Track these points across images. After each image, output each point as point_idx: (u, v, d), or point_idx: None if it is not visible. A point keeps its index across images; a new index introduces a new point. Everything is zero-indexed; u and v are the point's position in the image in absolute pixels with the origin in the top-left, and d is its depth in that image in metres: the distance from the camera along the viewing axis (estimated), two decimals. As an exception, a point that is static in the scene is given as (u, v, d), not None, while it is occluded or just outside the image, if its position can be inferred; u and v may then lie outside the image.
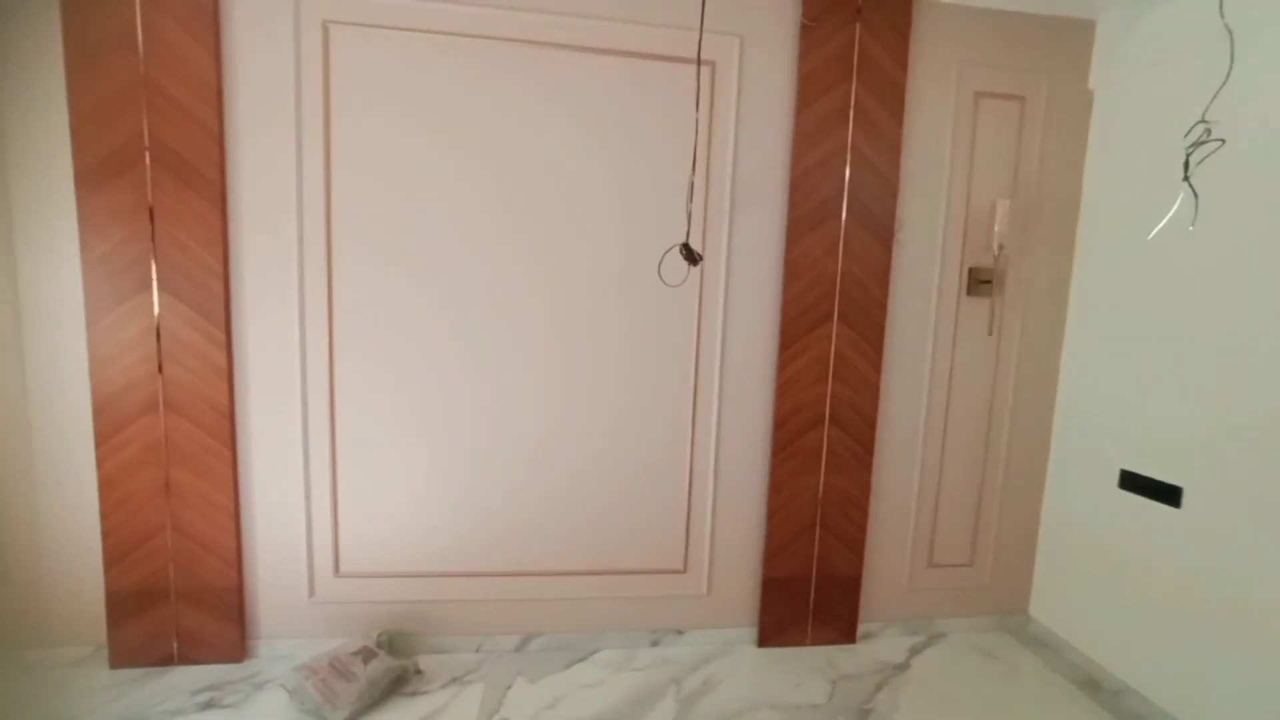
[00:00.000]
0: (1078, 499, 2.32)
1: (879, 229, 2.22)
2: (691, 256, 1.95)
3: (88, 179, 1.81)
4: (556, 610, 2.25)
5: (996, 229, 2.23)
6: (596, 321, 2.13)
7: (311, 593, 2.11)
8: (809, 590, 2.34)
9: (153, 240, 1.86)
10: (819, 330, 2.23)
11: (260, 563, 2.07)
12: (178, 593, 2.00)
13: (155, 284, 1.88)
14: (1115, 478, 2.16)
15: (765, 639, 2.34)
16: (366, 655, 1.94)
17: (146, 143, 1.83)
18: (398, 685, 1.98)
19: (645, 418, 2.19)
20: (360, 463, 2.08)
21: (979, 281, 2.30)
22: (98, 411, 1.89)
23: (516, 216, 2.04)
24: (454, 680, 2.05)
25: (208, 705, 1.86)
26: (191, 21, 1.82)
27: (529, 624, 2.25)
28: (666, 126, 2.06)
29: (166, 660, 2.03)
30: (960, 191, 2.26)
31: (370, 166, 1.96)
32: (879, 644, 2.40)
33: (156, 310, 1.89)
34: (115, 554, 1.95)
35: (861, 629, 2.42)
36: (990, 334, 2.31)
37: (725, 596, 2.34)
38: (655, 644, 2.30)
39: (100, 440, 1.90)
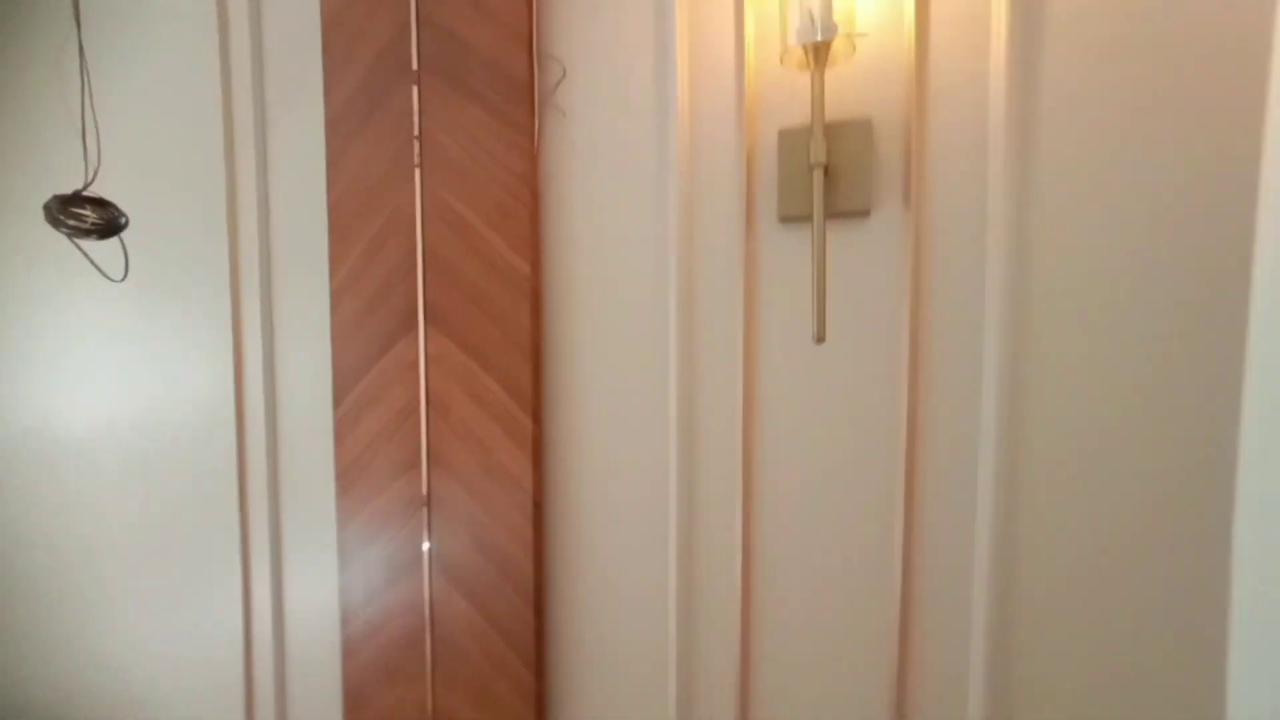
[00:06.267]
0: None
1: (500, 88, 0.87)
2: (73, 218, 1.01)
3: None
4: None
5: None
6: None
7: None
8: None
9: None
10: (396, 351, 0.97)
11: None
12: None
13: None
14: None
15: None
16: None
17: None
18: None
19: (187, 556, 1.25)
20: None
21: (809, 173, 0.69)
22: None
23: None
24: None
25: None
26: None
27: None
28: None
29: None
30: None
31: None
32: None
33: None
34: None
35: None
36: (819, 340, 0.66)
37: None
38: None
39: None
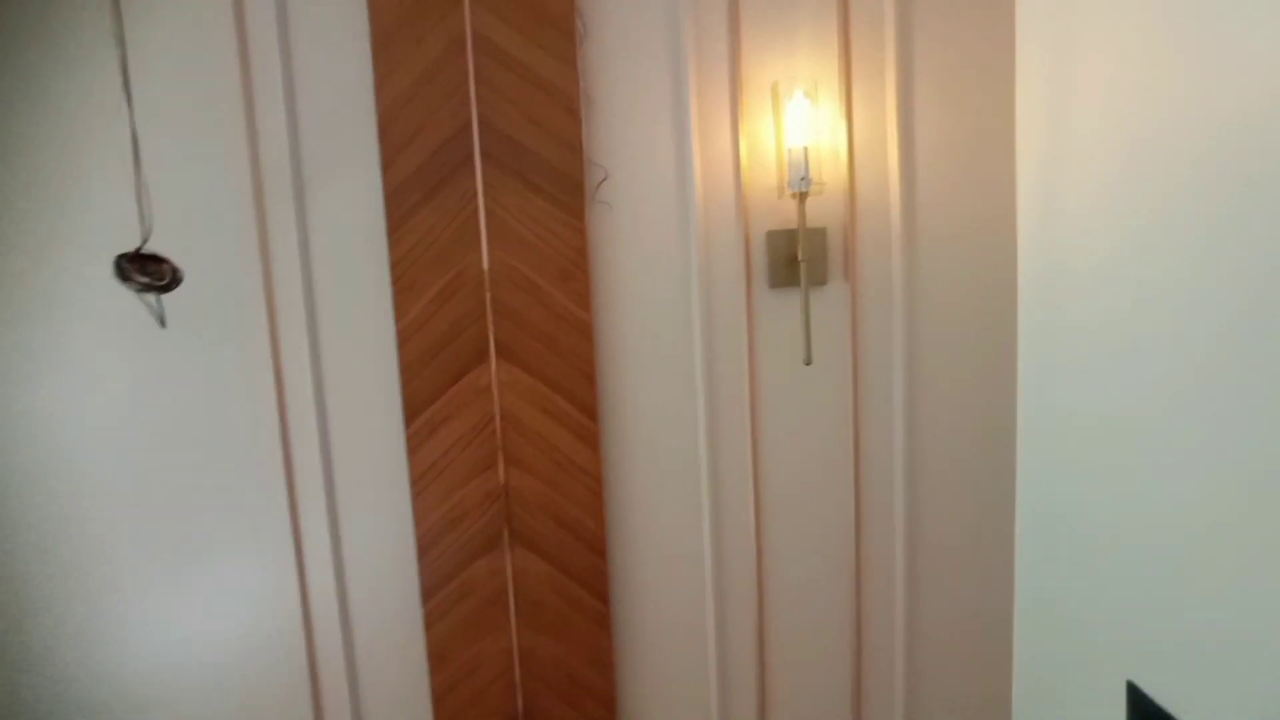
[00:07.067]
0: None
1: (556, 183, 1.17)
2: (141, 275, 1.11)
3: None
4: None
5: (792, 148, 1.06)
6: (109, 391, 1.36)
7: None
8: (528, 834, 1.34)
9: None
10: (468, 379, 1.24)
11: None
12: None
13: None
14: (1120, 696, 0.89)
15: None
16: None
17: None
18: None
19: (230, 544, 1.37)
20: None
21: (788, 259, 1.13)
22: None
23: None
24: None
25: None
26: None
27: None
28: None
29: None
30: (715, 83, 1.12)
31: None
32: None
33: None
34: None
35: None
36: (808, 363, 1.12)
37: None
38: None
39: None
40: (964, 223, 1.11)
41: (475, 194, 1.19)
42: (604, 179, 1.18)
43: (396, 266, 1.23)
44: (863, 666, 1.22)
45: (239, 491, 1.35)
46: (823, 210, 1.12)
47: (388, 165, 1.21)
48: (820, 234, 1.12)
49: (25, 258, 1.30)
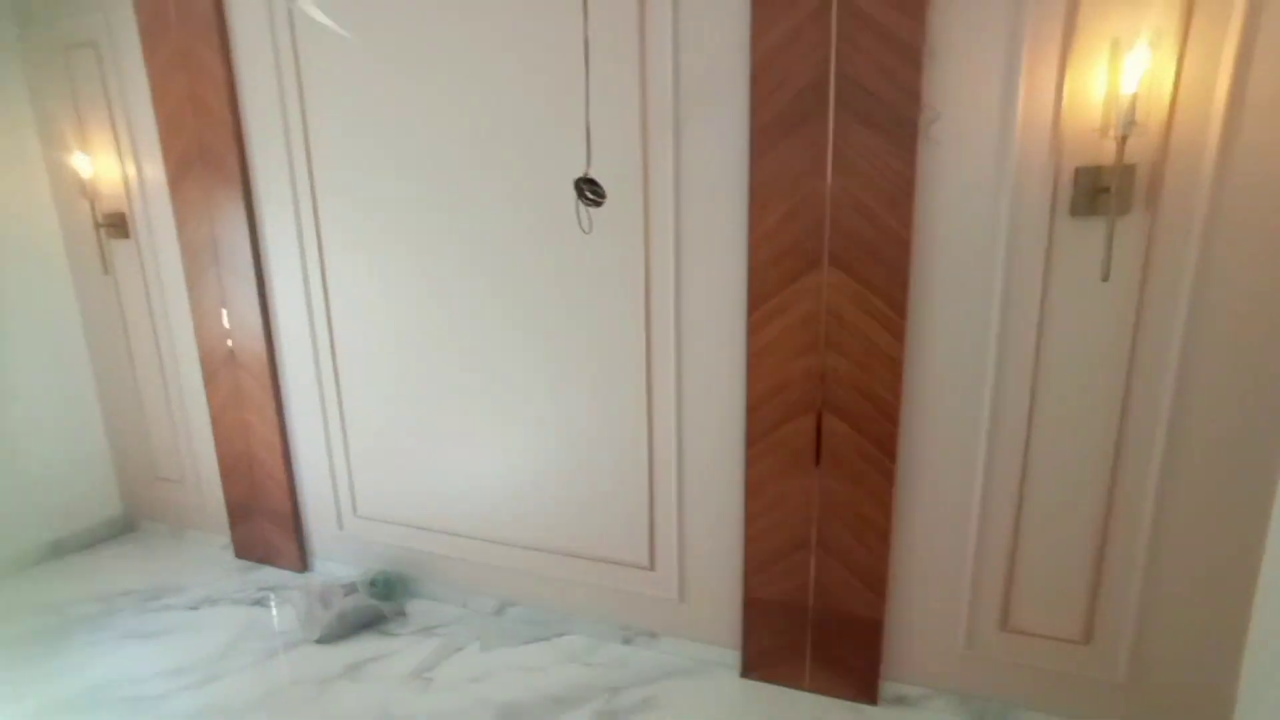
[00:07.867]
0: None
1: (894, 124, 1.47)
2: (589, 193, 1.59)
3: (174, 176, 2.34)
4: (531, 584, 2.17)
5: (1123, 95, 1.27)
6: (530, 276, 1.91)
7: (340, 526, 2.44)
8: (805, 623, 1.79)
9: (211, 226, 2.31)
10: (803, 280, 1.61)
11: (307, 494, 2.47)
12: (259, 509, 2.53)
13: (219, 264, 2.34)
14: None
15: (750, 668, 1.88)
16: (350, 590, 2.17)
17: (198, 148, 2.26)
18: (375, 622, 2.17)
19: (597, 393, 1.91)
20: (363, 420, 2.29)
21: (1093, 191, 1.36)
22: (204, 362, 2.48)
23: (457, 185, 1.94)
24: (425, 629, 2.16)
25: (256, 601, 2.33)
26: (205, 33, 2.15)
27: (506, 591, 2.22)
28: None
29: (261, 559, 2.60)
30: (1048, 37, 1.35)
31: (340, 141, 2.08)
32: (915, 715, 1.72)
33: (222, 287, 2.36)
34: (226, 468, 2.56)
35: (888, 689, 1.76)
36: (1105, 279, 1.36)
37: (702, 607, 1.94)
38: (628, 641, 2.05)
39: (207, 387, 2.50)
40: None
41: (826, 133, 1.53)
42: (935, 119, 1.47)
43: (756, 190, 1.61)
44: (1105, 558, 1.50)
45: (611, 351, 1.86)
46: (1135, 148, 1.32)
47: (757, 108, 1.58)
48: (1129, 170, 1.34)
49: (489, 182, 1.86)
